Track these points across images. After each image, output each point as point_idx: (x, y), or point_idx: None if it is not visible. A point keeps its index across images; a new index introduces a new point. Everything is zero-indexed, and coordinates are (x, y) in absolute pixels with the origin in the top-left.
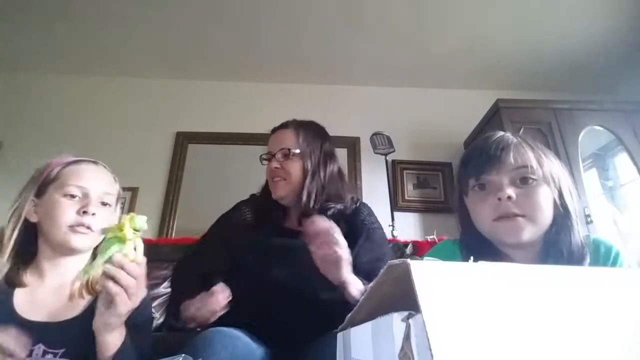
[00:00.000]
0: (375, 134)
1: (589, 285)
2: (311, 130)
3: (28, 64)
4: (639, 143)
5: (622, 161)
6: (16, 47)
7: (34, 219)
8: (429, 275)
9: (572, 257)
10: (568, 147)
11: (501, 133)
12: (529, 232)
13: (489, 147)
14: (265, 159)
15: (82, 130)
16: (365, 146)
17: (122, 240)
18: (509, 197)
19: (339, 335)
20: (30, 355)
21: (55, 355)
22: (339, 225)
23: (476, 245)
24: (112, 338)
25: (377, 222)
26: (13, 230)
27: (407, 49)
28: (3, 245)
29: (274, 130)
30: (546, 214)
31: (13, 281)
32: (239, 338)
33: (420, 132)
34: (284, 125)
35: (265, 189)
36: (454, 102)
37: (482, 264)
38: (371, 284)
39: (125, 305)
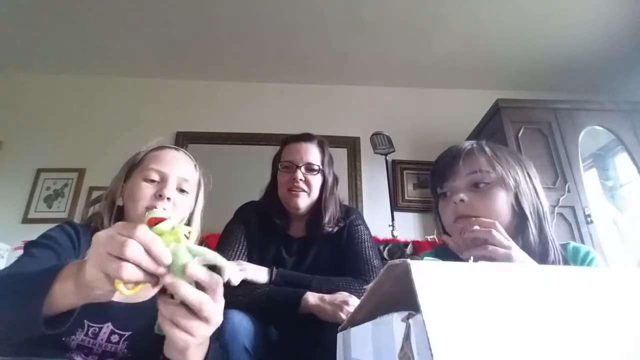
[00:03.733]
0: (375, 134)
1: (589, 285)
2: (329, 152)
3: (28, 64)
4: (639, 143)
5: (622, 161)
6: (16, 47)
7: (120, 202)
8: (429, 275)
9: (535, 259)
10: (568, 147)
11: (462, 142)
12: None
13: (447, 156)
14: (286, 168)
15: (82, 130)
16: (365, 146)
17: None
18: (462, 200)
19: (339, 335)
20: (98, 333)
21: (121, 337)
22: (339, 234)
23: (449, 251)
24: (196, 354)
25: (365, 234)
26: (109, 215)
27: (407, 49)
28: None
29: (296, 139)
30: (501, 216)
31: None
32: (245, 318)
33: (420, 132)
34: (308, 138)
35: (271, 196)
36: (454, 102)
37: (482, 264)
38: (371, 284)
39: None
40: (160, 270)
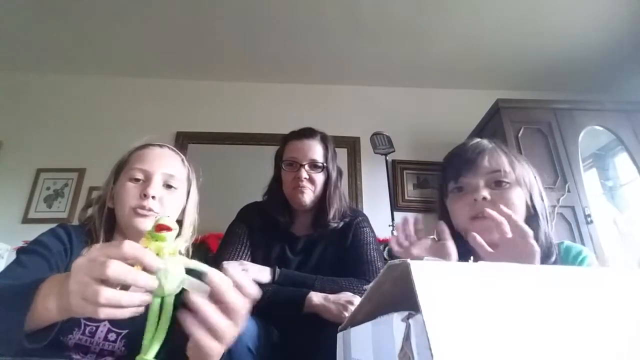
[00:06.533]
0: (375, 134)
1: (588, 285)
2: (332, 146)
3: (28, 64)
4: (639, 143)
5: (622, 161)
6: (16, 47)
7: (110, 205)
8: (429, 275)
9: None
10: (568, 147)
11: (478, 139)
12: None
13: (466, 151)
14: (290, 165)
15: (82, 130)
16: (365, 146)
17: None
18: (484, 198)
19: (339, 335)
20: (95, 332)
21: (118, 335)
22: (344, 234)
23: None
24: None
25: (370, 236)
26: (100, 218)
27: (407, 49)
28: (96, 235)
29: (298, 136)
30: (519, 215)
31: None
32: (248, 318)
33: (420, 132)
34: (310, 135)
35: (274, 193)
36: (454, 102)
37: (482, 264)
38: (371, 284)
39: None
40: (150, 284)
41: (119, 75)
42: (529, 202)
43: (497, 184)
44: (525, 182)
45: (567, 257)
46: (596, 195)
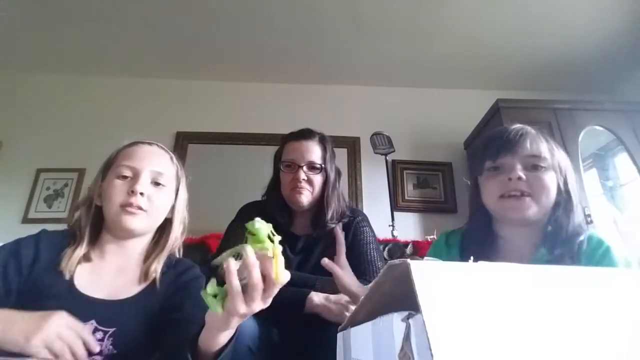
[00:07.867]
0: (375, 134)
1: (588, 285)
2: (331, 146)
3: (28, 64)
4: (639, 143)
5: (622, 161)
6: (16, 47)
7: (98, 202)
8: (429, 275)
9: (569, 236)
10: (568, 147)
11: (520, 124)
12: (532, 211)
13: (509, 133)
14: (288, 167)
15: (82, 130)
16: (365, 146)
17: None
18: (519, 178)
19: (339, 335)
20: None
21: (105, 333)
22: (344, 234)
23: (479, 227)
24: (224, 337)
25: (370, 236)
26: (87, 217)
27: (407, 49)
28: (81, 234)
29: (296, 137)
30: (550, 197)
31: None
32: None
33: (420, 132)
34: (309, 136)
35: (273, 194)
36: (454, 102)
37: (482, 264)
38: (371, 284)
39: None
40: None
41: (119, 75)
42: (562, 186)
43: (534, 167)
44: (560, 168)
45: (589, 246)
46: (596, 195)
